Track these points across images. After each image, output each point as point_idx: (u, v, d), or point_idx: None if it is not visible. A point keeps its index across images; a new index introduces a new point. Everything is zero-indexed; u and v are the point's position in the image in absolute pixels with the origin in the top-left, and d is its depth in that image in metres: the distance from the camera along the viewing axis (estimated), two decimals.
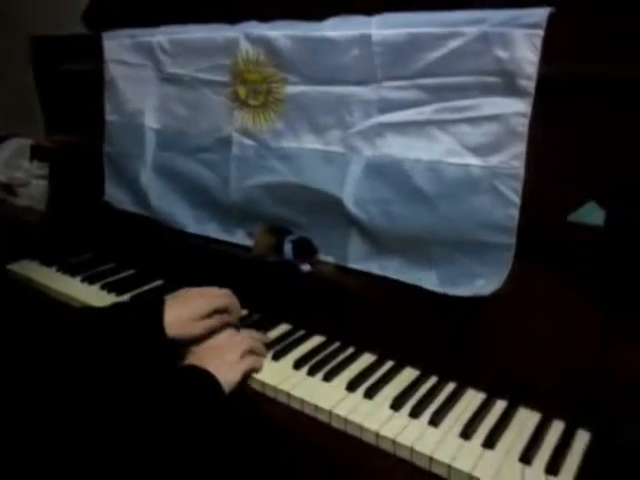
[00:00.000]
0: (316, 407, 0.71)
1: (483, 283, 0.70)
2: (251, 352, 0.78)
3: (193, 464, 0.68)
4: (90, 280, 1.06)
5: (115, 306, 0.80)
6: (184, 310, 0.78)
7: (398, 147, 0.77)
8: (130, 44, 1.06)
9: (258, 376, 0.77)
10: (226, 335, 0.80)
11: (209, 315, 0.79)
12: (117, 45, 1.07)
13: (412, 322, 0.78)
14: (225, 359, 0.73)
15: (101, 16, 1.19)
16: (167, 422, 0.66)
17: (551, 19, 0.66)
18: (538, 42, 0.66)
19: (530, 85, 0.67)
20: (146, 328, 0.76)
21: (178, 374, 0.71)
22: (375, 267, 0.81)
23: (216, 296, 0.83)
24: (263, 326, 0.88)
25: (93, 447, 0.62)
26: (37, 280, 1.09)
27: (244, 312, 0.92)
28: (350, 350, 0.83)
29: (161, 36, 1.00)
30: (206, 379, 0.70)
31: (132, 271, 1.10)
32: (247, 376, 0.76)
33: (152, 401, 0.67)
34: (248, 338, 0.80)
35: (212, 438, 0.71)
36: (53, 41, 1.25)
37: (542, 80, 0.67)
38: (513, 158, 0.69)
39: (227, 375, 0.72)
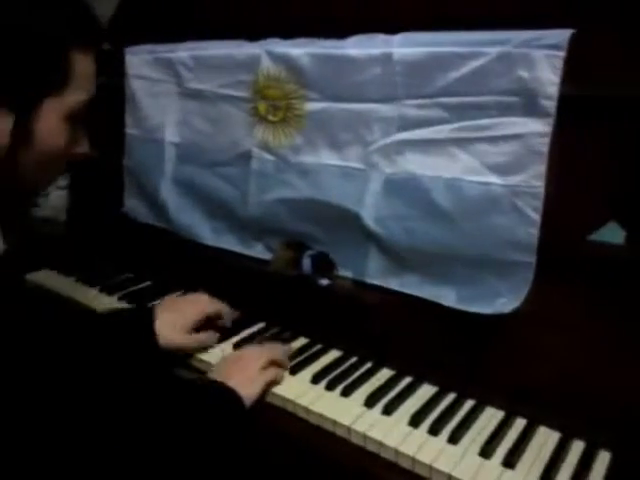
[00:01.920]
0: (335, 422, 0.72)
1: (504, 301, 0.70)
2: (272, 364, 0.78)
3: (211, 477, 0.69)
4: (109, 290, 1.07)
5: (109, 315, 0.82)
6: (175, 318, 0.80)
7: (417, 164, 0.78)
8: (152, 59, 1.07)
9: (277, 390, 0.78)
10: (247, 348, 0.81)
11: (201, 322, 0.81)
12: (139, 60, 1.09)
13: (430, 338, 0.78)
14: (246, 373, 0.74)
15: (123, 32, 1.22)
16: (188, 436, 0.66)
17: (572, 40, 0.66)
18: (559, 63, 0.67)
19: (551, 105, 0.68)
20: (138, 339, 0.78)
21: (200, 389, 0.72)
22: (394, 283, 0.82)
23: (206, 303, 0.85)
24: (280, 339, 0.89)
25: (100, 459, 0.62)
26: (56, 290, 1.10)
27: (261, 325, 0.93)
28: (368, 365, 0.83)
29: (182, 52, 1.02)
30: (228, 394, 0.70)
31: (149, 282, 1.11)
32: (267, 388, 0.77)
33: (175, 415, 0.67)
34: (269, 350, 0.80)
35: (231, 451, 0.71)
36: None
37: (563, 100, 0.68)
38: (534, 177, 0.69)
39: (248, 389, 0.72)
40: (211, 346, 0.85)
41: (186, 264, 1.05)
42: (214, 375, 0.74)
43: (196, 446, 0.66)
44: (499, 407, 0.73)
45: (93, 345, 0.76)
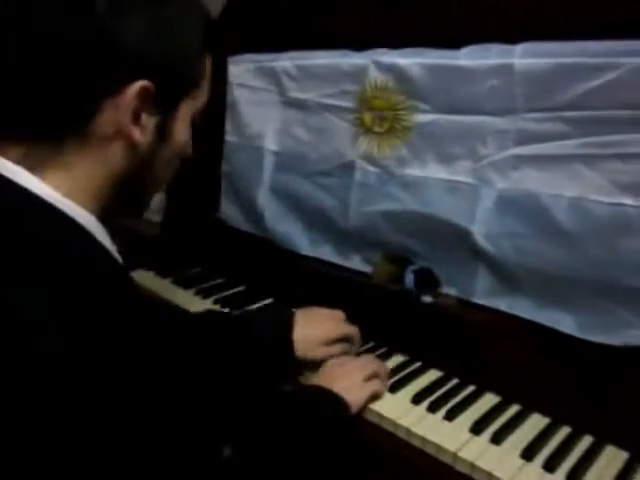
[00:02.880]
0: (439, 447, 0.69)
1: (636, 333, 0.65)
2: (374, 376, 0.77)
3: None
4: (204, 294, 1.09)
5: (248, 315, 0.84)
6: (314, 332, 0.79)
7: (536, 181, 0.74)
8: (254, 68, 1.09)
9: (375, 407, 0.76)
10: (348, 357, 0.80)
11: (336, 341, 0.80)
12: (241, 69, 1.11)
13: (540, 365, 0.74)
14: (352, 380, 0.73)
15: (224, 41, 1.25)
16: (295, 440, 0.66)
17: None
18: None
19: None
20: (276, 344, 0.78)
21: (306, 393, 0.72)
22: (503, 304, 0.78)
23: (345, 323, 0.84)
24: (377, 355, 0.87)
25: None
26: (154, 290, 1.14)
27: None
28: (471, 388, 0.79)
29: (286, 61, 1.03)
30: (334, 399, 0.70)
31: (242, 287, 1.12)
32: (370, 401, 0.75)
33: (282, 418, 0.68)
34: (371, 362, 0.79)
35: (330, 458, 0.70)
36: None
37: None
38: None
39: (354, 396, 0.72)
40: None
41: (280, 272, 1.06)
42: (318, 380, 0.74)
43: (301, 450, 0.66)
44: (621, 446, 0.68)
45: (229, 345, 0.78)
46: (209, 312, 0.91)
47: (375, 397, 0.75)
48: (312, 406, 0.70)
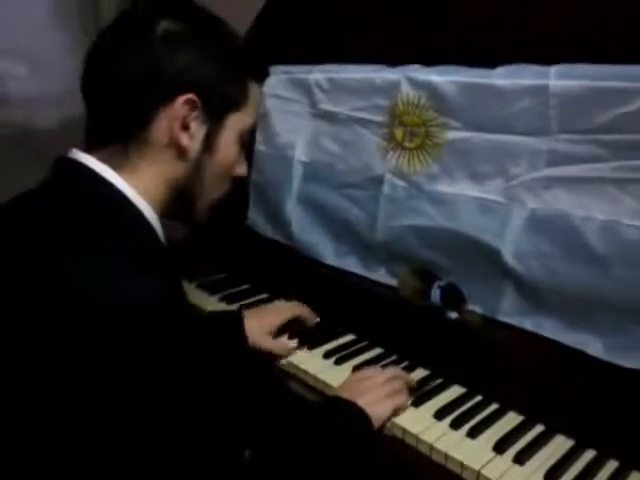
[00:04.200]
0: (462, 465, 0.69)
1: None
2: (398, 389, 0.77)
3: None
4: (228, 300, 1.11)
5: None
6: (258, 323, 0.90)
7: (567, 202, 0.74)
8: (286, 80, 1.11)
9: (398, 421, 0.76)
10: (371, 369, 0.81)
11: (283, 327, 0.92)
12: (274, 80, 1.13)
13: (564, 386, 0.73)
14: (375, 394, 0.74)
15: (257, 52, 1.27)
16: (317, 451, 0.67)
17: None
18: None
19: None
20: (229, 336, 0.88)
21: (330, 406, 0.73)
22: (529, 323, 0.78)
23: (286, 308, 0.96)
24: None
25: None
26: None
27: (379, 350, 0.92)
28: (494, 406, 0.79)
29: (319, 74, 1.04)
30: (357, 413, 0.70)
31: (266, 295, 1.14)
32: (393, 414, 0.75)
33: (304, 429, 0.68)
34: (398, 374, 0.80)
35: (352, 471, 0.71)
36: None
37: None
38: None
39: (377, 410, 0.72)
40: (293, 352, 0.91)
41: (304, 280, 1.07)
42: (341, 392, 0.75)
43: (322, 462, 0.67)
44: None
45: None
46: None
47: (400, 411, 0.76)
48: (335, 419, 0.71)
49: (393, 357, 0.91)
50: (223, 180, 0.69)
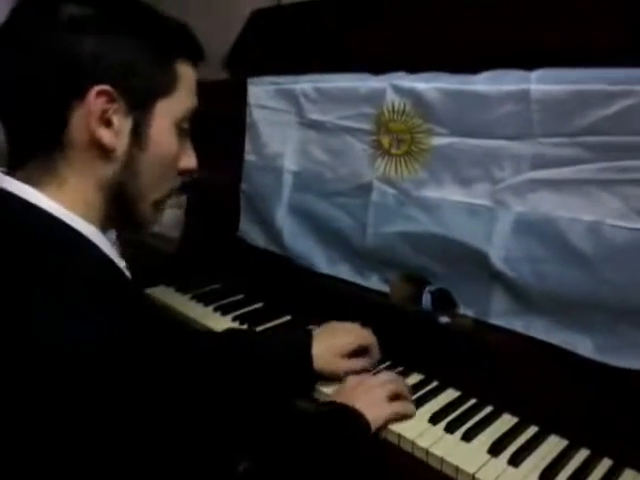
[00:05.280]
0: (457, 469, 0.69)
1: None
2: (398, 395, 0.77)
3: None
4: (223, 311, 1.11)
5: (267, 334, 0.87)
6: (331, 345, 0.82)
7: (553, 205, 0.75)
8: (273, 90, 1.12)
9: (394, 427, 0.76)
10: (371, 375, 0.81)
11: (353, 352, 0.82)
12: (261, 91, 1.14)
13: (557, 386, 0.74)
14: (373, 397, 0.74)
15: (243, 62, 1.28)
16: (313, 455, 0.67)
17: None
18: None
19: None
20: (296, 359, 0.81)
21: (327, 409, 0.73)
22: (519, 325, 0.79)
23: (361, 333, 0.87)
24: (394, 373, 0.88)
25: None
26: (173, 306, 1.16)
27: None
28: (488, 409, 0.80)
29: (305, 84, 1.05)
30: (355, 417, 0.70)
31: (260, 304, 1.14)
32: (394, 420, 0.75)
33: (301, 433, 0.69)
34: (394, 380, 0.80)
35: (347, 475, 0.71)
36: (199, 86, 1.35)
37: None
38: None
39: (375, 414, 0.72)
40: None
41: (297, 290, 1.08)
42: (338, 396, 0.75)
43: (319, 465, 0.67)
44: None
45: (252, 363, 0.81)
46: (231, 330, 0.93)
47: (404, 417, 0.76)
48: (333, 422, 0.71)
49: (387, 363, 0.91)
50: (165, 176, 0.61)
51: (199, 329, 1.05)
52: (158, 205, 0.63)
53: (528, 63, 0.77)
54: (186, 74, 0.61)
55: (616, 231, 0.69)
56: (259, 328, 1.04)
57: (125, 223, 0.63)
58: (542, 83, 0.74)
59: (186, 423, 0.55)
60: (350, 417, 0.71)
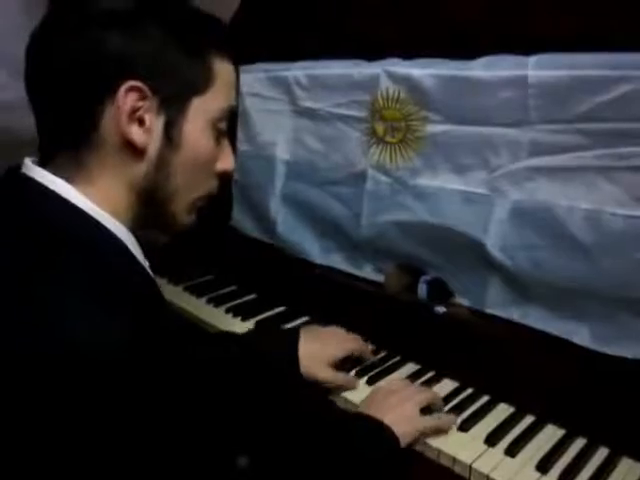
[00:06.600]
0: (454, 459, 0.69)
1: None
2: (428, 408, 0.74)
3: None
4: (215, 302, 1.10)
5: (255, 334, 0.84)
6: (319, 349, 0.80)
7: (550, 192, 0.74)
8: (265, 78, 1.09)
9: None
10: (402, 385, 0.77)
11: (340, 360, 0.81)
12: (252, 78, 1.11)
13: (554, 375, 0.74)
14: (403, 412, 0.70)
15: (235, 49, 1.25)
16: (338, 469, 0.65)
17: None
18: None
19: None
20: (283, 360, 0.79)
21: (354, 424, 0.70)
22: (515, 314, 0.78)
23: (350, 341, 0.84)
24: (389, 363, 0.87)
25: None
26: (166, 298, 1.15)
27: (370, 347, 0.92)
28: (485, 398, 0.79)
29: (297, 71, 1.03)
30: (384, 432, 0.67)
31: (253, 295, 1.13)
32: (427, 435, 0.71)
33: (327, 449, 0.66)
34: (426, 392, 0.76)
35: None
36: None
37: None
38: None
39: (404, 429, 0.68)
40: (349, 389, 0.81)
41: (291, 280, 1.06)
42: (367, 409, 0.71)
43: (331, 473, 0.64)
44: (637, 459, 0.67)
45: (243, 365, 0.78)
46: (224, 333, 0.92)
47: (438, 432, 0.72)
48: (360, 437, 0.67)
49: (383, 353, 0.90)
50: (200, 178, 0.59)
51: (194, 325, 1.04)
52: (193, 207, 0.60)
53: (525, 48, 0.76)
54: (223, 71, 0.57)
55: (614, 219, 0.68)
56: (253, 320, 1.03)
57: (156, 224, 0.61)
58: (540, 69, 0.73)
59: (191, 424, 0.53)
60: (378, 432, 0.67)
